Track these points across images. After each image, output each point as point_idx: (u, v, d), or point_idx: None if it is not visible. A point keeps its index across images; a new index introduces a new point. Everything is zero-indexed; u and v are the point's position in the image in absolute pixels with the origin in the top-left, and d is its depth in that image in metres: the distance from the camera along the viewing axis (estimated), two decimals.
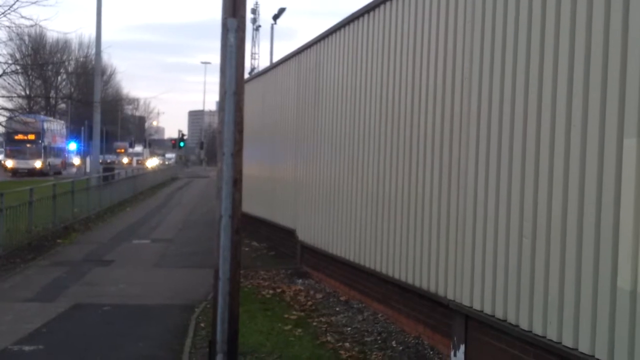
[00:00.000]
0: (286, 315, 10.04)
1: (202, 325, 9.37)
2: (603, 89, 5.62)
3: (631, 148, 5.30)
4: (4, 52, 50.86)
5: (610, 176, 5.51)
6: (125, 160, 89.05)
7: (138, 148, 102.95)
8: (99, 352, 8.24)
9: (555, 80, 6.18)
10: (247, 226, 17.77)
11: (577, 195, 5.86)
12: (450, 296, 7.89)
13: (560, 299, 6.01)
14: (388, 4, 9.84)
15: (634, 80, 5.31)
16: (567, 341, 5.90)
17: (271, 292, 11.81)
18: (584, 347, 5.71)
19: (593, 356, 5.59)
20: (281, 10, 53.94)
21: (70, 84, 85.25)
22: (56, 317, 9.92)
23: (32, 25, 19.43)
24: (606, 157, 5.56)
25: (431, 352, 8.30)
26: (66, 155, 68.96)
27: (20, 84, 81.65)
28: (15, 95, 61.27)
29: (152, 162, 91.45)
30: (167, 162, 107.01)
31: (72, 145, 75.32)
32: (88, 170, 40.07)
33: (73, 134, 72.58)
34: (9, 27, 18.98)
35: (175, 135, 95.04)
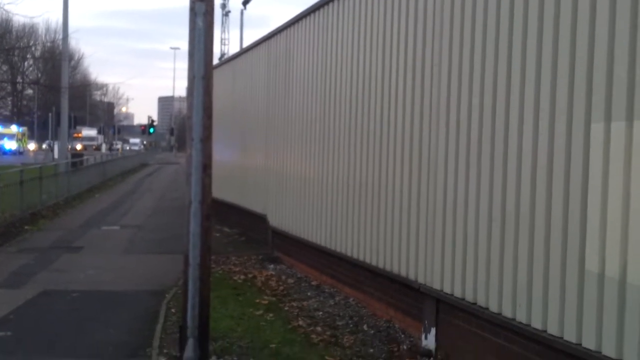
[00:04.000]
0: (258, 300, 10.04)
1: (173, 310, 9.32)
2: (571, 75, 5.66)
3: (598, 133, 5.35)
4: None
5: (578, 160, 5.56)
6: (78, 146, 69.61)
7: (91, 131, 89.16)
8: (68, 339, 8.18)
9: (523, 66, 6.21)
10: (218, 212, 17.69)
11: (545, 179, 5.91)
12: (420, 280, 7.94)
13: (529, 282, 6.07)
14: None
15: (601, 65, 5.35)
16: (536, 323, 5.97)
17: (243, 277, 11.79)
18: (552, 329, 5.78)
19: (562, 338, 5.67)
20: None
21: (37, 70, 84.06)
22: (24, 303, 9.81)
23: None
24: (574, 142, 5.61)
25: (402, 336, 8.35)
26: None
27: None
28: None
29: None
30: (128, 148, 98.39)
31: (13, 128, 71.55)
32: (56, 156, 39.60)
33: (41, 120, 71.53)
34: None
35: (144, 121, 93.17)
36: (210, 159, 6.24)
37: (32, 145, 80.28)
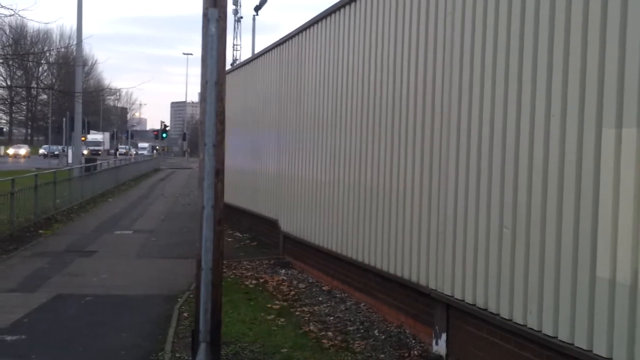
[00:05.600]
0: (269, 305, 10.07)
1: (185, 315, 9.37)
2: (582, 78, 5.66)
3: (610, 138, 5.36)
4: None
5: (589, 166, 5.56)
6: (84, 152, 50.32)
7: (97, 136, 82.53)
8: (82, 342, 8.22)
9: (534, 71, 6.22)
10: (230, 217, 17.76)
11: (556, 185, 5.91)
12: (431, 285, 7.95)
13: (540, 288, 6.07)
14: None
15: (612, 69, 5.36)
16: (547, 329, 5.96)
17: (254, 282, 11.83)
18: (563, 336, 5.78)
19: (572, 344, 5.66)
20: (263, 1, 53.79)
21: (52, 75, 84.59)
22: (38, 307, 9.88)
23: (11, 15, 19.29)
24: (585, 147, 5.61)
25: (413, 341, 8.35)
26: None
27: (1, 75, 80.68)
28: None
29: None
30: (135, 153, 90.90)
31: None
32: (70, 161, 39.83)
33: (55, 125, 71.57)
34: None
35: (157, 126, 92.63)
36: (222, 164, 6.30)
37: (22, 150, 76.64)
